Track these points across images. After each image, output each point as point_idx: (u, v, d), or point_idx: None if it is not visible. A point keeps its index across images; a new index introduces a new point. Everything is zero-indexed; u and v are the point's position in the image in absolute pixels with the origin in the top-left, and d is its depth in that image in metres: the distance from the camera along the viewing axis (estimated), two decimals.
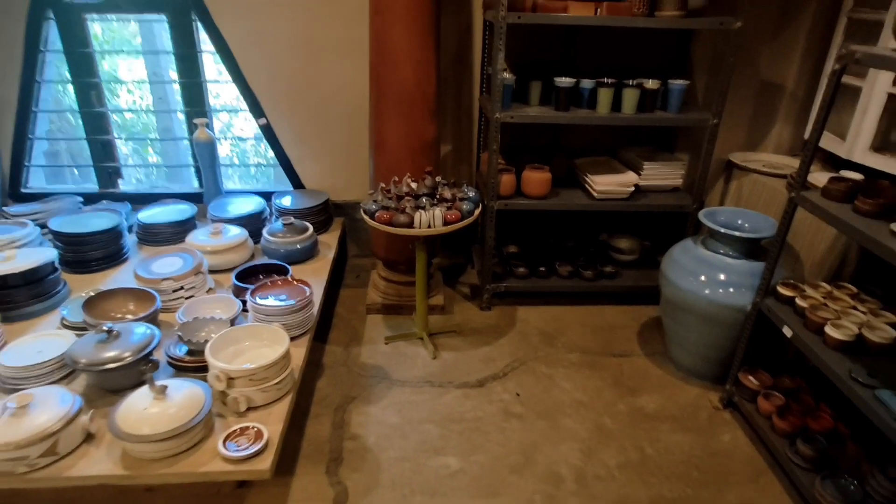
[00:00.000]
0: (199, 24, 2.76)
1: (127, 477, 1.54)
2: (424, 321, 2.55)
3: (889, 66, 1.53)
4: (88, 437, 1.62)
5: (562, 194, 2.71)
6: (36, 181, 3.14)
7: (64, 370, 1.82)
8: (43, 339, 1.90)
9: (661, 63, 2.83)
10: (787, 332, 1.84)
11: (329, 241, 2.85)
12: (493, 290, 2.80)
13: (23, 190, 3.06)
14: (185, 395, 1.63)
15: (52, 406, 1.57)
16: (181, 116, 3.09)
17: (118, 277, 2.45)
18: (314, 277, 2.39)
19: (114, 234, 2.57)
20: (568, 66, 2.76)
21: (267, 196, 2.98)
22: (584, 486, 1.85)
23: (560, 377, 2.37)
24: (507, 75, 2.43)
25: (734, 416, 2.18)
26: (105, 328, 1.79)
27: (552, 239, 3.19)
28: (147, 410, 1.57)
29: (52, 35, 2.80)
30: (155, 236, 2.73)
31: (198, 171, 3.09)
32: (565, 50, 2.81)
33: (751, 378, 2.12)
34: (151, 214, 2.78)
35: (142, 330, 1.85)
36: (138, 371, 1.77)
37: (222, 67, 2.86)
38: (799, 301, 1.88)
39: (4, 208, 2.78)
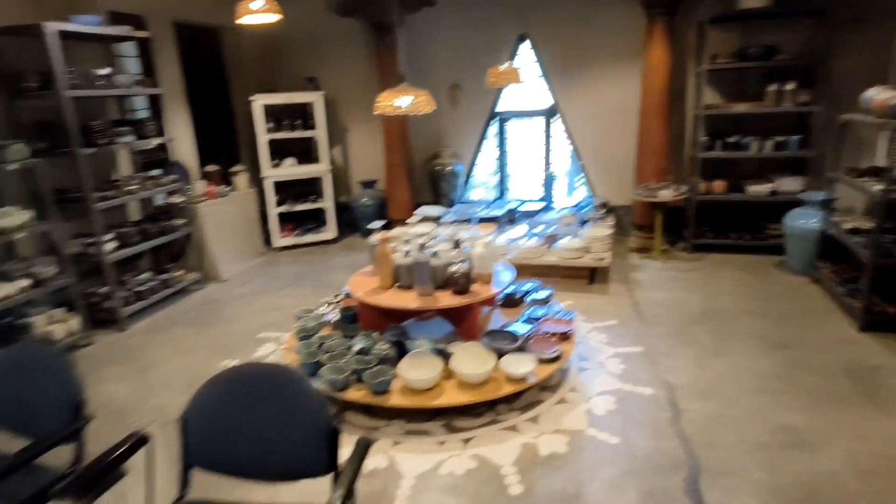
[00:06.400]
0: (559, 120, 6.25)
1: (562, 261, 4.75)
2: (659, 250, 5.42)
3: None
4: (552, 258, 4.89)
5: (732, 195, 5.42)
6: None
7: (523, 239, 5.16)
8: (507, 237, 5.31)
9: (788, 127, 5.43)
10: (831, 232, 4.35)
11: (608, 220, 5.95)
12: (693, 244, 5.56)
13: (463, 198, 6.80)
14: (574, 242, 4.82)
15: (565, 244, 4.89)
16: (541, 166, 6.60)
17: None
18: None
19: (514, 212, 6.04)
20: (736, 131, 5.53)
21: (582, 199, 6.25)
22: (733, 296, 4.52)
23: (724, 273, 5.03)
24: (704, 137, 5.33)
25: (818, 284, 4.61)
26: (540, 226, 5.13)
27: (729, 224, 5.82)
28: (567, 243, 4.79)
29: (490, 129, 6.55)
30: (529, 216, 6.12)
31: (547, 189, 6.53)
32: (735, 124, 5.61)
33: (821, 263, 4.58)
34: (525, 207, 6.21)
35: (555, 228, 5.14)
36: (553, 237, 5.02)
37: (564, 140, 6.28)
38: (839, 221, 4.37)
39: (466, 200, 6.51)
